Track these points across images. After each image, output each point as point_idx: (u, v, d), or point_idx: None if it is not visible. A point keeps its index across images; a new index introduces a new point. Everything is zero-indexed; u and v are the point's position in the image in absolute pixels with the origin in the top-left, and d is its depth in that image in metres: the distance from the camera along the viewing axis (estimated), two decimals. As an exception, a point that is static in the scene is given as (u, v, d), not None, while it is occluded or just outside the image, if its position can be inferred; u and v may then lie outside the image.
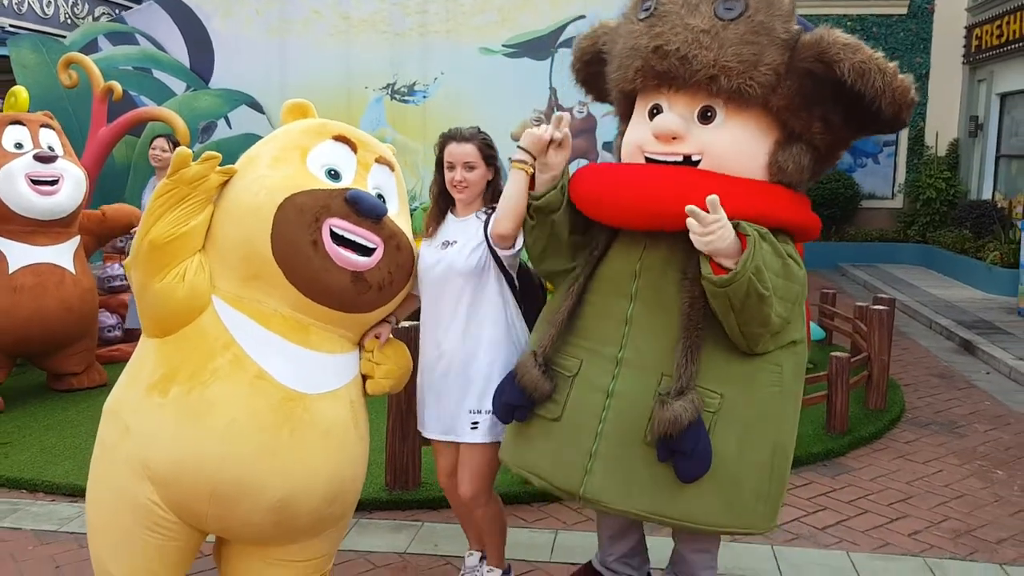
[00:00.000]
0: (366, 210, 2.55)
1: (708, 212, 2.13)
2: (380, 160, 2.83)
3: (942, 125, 13.85)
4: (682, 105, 2.39)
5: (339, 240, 2.52)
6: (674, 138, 2.39)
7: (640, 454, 2.34)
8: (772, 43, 2.30)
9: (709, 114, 2.38)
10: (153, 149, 6.23)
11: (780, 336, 2.38)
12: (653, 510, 2.33)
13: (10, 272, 5.14)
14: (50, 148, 5.35)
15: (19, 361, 5.81)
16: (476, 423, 2.82)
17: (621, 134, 2.74)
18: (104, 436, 2.63)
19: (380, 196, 2.76)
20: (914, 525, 3.90)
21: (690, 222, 2.13)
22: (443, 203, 2.93)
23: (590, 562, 3.07)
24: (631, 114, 2.63)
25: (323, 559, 2.80)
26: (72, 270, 5.40)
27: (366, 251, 2.56)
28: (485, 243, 2.79)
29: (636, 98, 2.58)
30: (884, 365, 5.54)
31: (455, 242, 2.84)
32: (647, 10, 2.41)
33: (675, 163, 2.41)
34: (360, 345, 2.80)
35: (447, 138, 2.86)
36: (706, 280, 2.20)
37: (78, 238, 5.54)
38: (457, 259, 2.80)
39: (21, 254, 5.20)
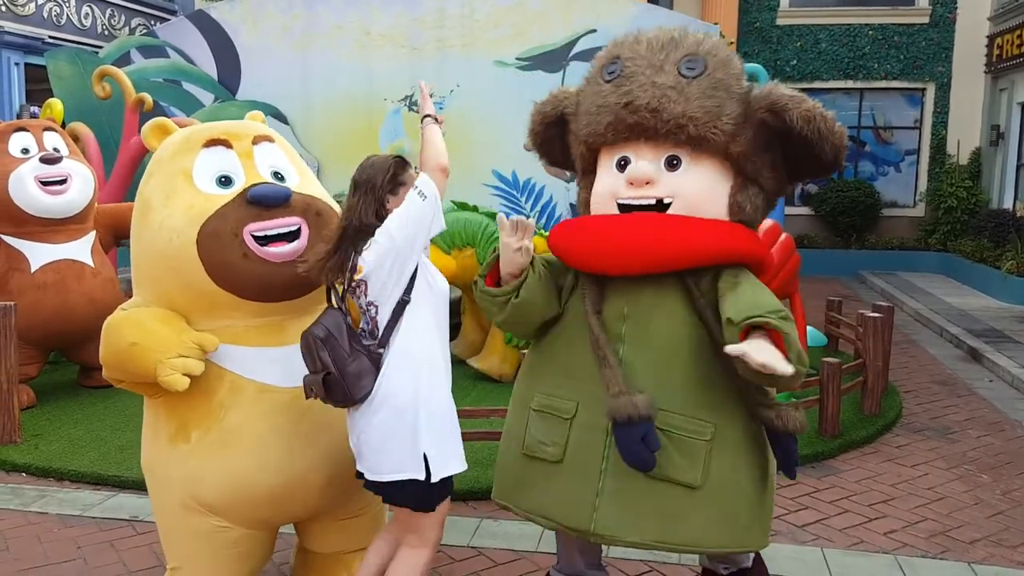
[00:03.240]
0: (272, 201, 2.63)
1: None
2: (258, 140, 2.85)
3: (964, 134, 13.84)
4: (649, 155, 2.60)
5: (264, 240, 2.63)
6: (647, 183, 2.60)
7: (642, 487, 2.48)
8: (730, 97, 2.55)
9: (675, 162, 2.59)
10: None
11: None
12: (662, 539, 2.49)
13: (32, 271, 5.49)
14: (55, 150, 5.68)
15: (51, 358, 6.16)
16: None
17: (585, 188, 2.87)
18: (154, 493, 2.90)
19: (278, 174, 2.82)
20: (891, 525, 4.04)
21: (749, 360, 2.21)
22: None
23: (547, 574, 3.13)
24: (594, 169, 2.80)
25: (376, 506, 3.12)
26: (91, 263, 5.73)
27: (292, 236, 2.68)
28: None
29: (600, 153, 2.75)
30: (879, 371, 5.66)
31: None
32: (612, 72, 2.63)
33: (648, 206, 2.61)
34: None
35: (407, 164, 2.74)
36: (772, 378, 2.29)
37: (94, 233, 5.87)
38: None
39: (41, 253, 5.54)
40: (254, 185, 2.70)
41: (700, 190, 2.58)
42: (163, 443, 2.77)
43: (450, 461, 2.63)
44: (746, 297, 2.41)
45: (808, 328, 6.78)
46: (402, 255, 2.55)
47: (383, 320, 2.61)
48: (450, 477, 2.65)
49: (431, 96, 2.92)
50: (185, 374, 2.56)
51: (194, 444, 2.70)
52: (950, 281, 12.24)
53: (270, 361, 2.73)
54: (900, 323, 8.81)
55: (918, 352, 8.01)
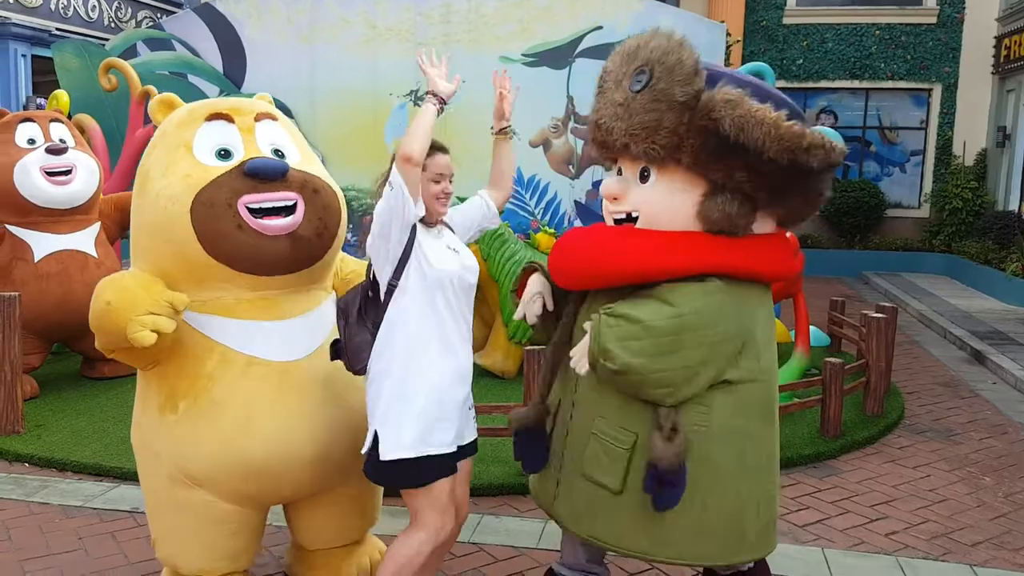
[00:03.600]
0: (268, 174, 2.64)
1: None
2: (260, 117, 2.87)
3: (970, 135, 13.81)
4: (628, 167, 2.66)
5: (259, 213, 2.64)
6: (615, 198, 2.65)
7: (579, 484, 2.66)
8: (671, 108, 2.45)
9: (646, 174, 2.61)
10: None
11: (693, 383, 2.47)
12: (593, 534, 2.64)
13: (35, 261, 5.51)
14: (61, 141, 5.71)
15: (55, 349, 6.17)
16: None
17: None
18: (143, 467, 2.91)
19: (278, 151, 2.83)
20: (892, 526, 4.04)
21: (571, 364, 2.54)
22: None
23: (551, 568, 3.17)
24: None
25: (368, 498, 3.14)
26: (94, 254, 5.74)
27: (288, 210, 2.68)
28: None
29: None
30: (882, 372, 5.65)
31: (458, 250, 2.78)
32: (600, 88, 2.69)
33: (620, 220, 2.68)
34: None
35: (435, 149, 2.71)
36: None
37: (98, 224, 5.89)
38: (474, 266, 2.79)
39: (45, 243, 5.57)
40: (252, 158, 2.71)
41: (659, 202, 2.58)
42: (152, 414, 2.78)
43: (400, 445, 2.59)
44: (620, 305, 2.50)
45: (811, 328, 6.77)
46: (385, 241, 2.58)
47: (381, 300, 2.67)
48: (431, 464, 2.61)
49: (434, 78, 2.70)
50: (155, 331, 2.54)
51: (181, 415, 2.70)
52: (954, 283, 12.22)
53: (262, 335, 2.74)
54: (903, 324, 8.80)
55: (921, 353, 8.00)
